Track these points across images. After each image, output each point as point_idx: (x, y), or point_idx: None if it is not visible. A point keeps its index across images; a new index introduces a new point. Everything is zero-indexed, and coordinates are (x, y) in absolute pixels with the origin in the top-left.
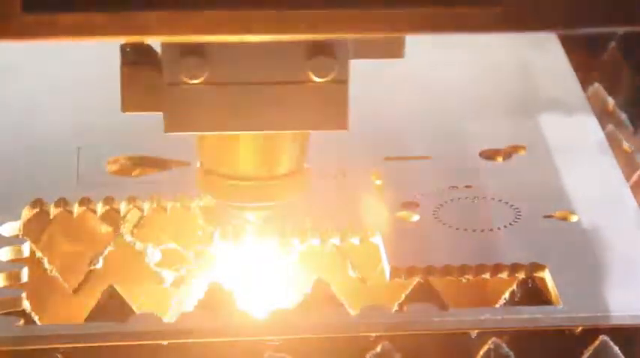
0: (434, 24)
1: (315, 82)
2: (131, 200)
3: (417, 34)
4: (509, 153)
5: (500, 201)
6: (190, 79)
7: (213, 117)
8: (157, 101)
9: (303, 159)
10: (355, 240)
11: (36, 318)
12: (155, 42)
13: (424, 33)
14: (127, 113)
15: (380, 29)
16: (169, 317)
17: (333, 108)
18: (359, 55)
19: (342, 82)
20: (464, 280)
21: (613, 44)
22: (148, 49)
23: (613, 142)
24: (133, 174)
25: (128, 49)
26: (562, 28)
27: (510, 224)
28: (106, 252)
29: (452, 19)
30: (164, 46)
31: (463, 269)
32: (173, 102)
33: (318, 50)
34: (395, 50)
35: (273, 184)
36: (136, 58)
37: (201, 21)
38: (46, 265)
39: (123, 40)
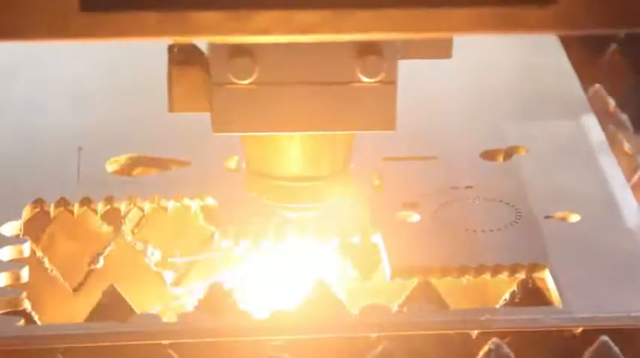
0: (487, 24)
1: (363, 82)
2: (132, 200)
3: (469, 35)
4: (509, 153)
5: (500, 201)
6: (239, 79)
7: (261, 118)
8: (205, 101)
9: (349, 160)
10: (355, 240)
11: (36, 318)
12: (202, 42)
13: (478, 33)
14: (175, 113)
15: (433, 30)
16: (170, 317)
17: (381, 108)
18: (407, 56)
19: (390, 82)
20: (464, 280)
21: (614, 45)
22: (195, 49)
23: (613, 143)
24: (133, 173)
25: (176, 49)
26: (616, 27)
27: (511, 224)
28: (106, 252)
29: (505, 19)
30: (212, 46)
31: (463, 270)
32: (221, 102)
33: (368, 50)
34: (443, 50)
35: (321, 185)
36: (183, 58)
37: (254, 22)
38: (47, 265)
39: (176, 39)
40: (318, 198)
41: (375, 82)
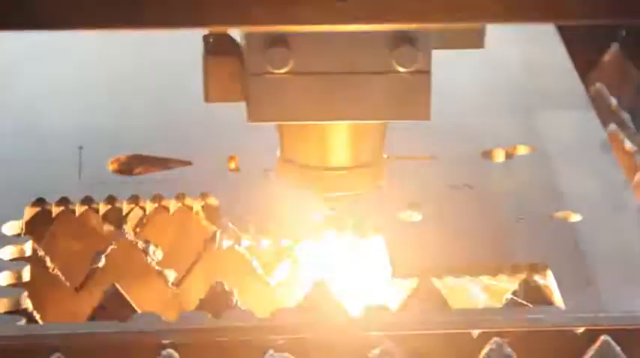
0: (523, 13)
1: (398, 72)
2: (133, 199)
3: (505, 24)
4: (510, 153)
5: (500, 201)
6: (275, 68)
7: (296, 107)
8: (240, 91)
9: (382, 149)
10: (357, 240)
11: (38, 317)
12: (235, 32)
13: (514, 22)
14: (210, 103)
15: (470, 19)
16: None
17: (416, 98)
18: (441, 46)
19: (424, 72)
20: (465, 280)
21: (616, 44)
22: (230, 40)
23: (615, 142)
24: (134, 173)
25: (211, 40)
26: None
27: (512, 224)
28: (108, 251)
29: (540, 7)
30: (248, 36)
31: (464, 269)
32: (257, 92)
33: (402, 40)
34: (475, 40)
35: (355, 174)
36: (218, 49)
37: (295, 11)
38: (48, 264)
39: (212, 30)
40: (354, 187)
41: (409, 72)
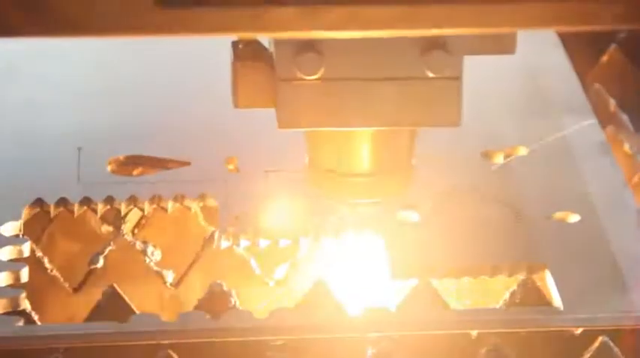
0: (556, 19)
1: (429, 77)
2: (132, 200)
3: (539, 29)
4: (509, 153)
5: (500, 201)
6: (306, 75)
7: (326, 114)
8: (269, 97)
9: (412, 155)
10: (356, 240)
11: (36, 318)
12: (264, 38)
13: (547, 28)
14: (239, 109)
15: (504, 25)
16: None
17: (446, 104)
18: (471, 51)
19: (455, 78)
20: (464, 280)
21: (614, 45)
22: (259, 46)
23: (614, 143)
24: (133, 173)
25: (240, 46)
26: None
27: (511, 224)
28: (106, 252)
29: (574, 14)
30: (278, 42)
31: (463, 270)
32: (287, 98)
33: (433, 46)
34: (507, 46)
35: (383, 180)
36: (248, 54)
37: (327, 18)
38: (47, 265)
39: (241, 36)
40: (384, 193)
41: (440, 78)
